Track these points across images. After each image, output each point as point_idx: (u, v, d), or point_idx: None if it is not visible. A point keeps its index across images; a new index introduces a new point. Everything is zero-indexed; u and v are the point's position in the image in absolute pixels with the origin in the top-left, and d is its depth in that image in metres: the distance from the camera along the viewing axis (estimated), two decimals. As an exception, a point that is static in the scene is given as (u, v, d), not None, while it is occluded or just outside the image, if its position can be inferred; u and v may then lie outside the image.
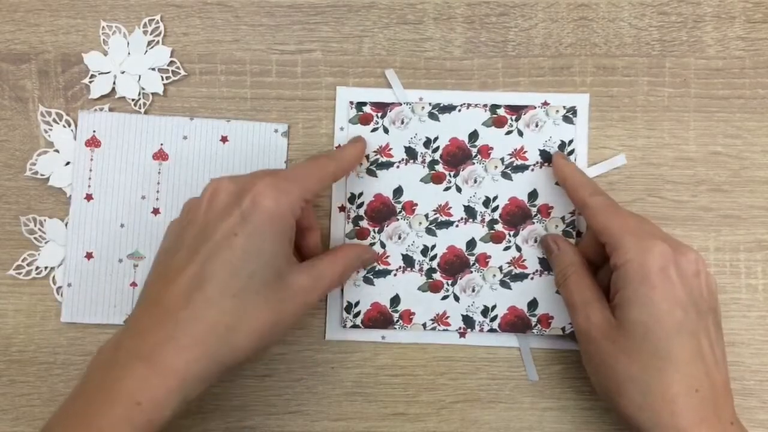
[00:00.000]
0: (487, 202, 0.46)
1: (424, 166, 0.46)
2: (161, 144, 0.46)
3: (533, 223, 0.45)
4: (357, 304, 0.45)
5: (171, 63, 0.47)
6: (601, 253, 0.41)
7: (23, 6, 0.47)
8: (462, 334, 0.45)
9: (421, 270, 0.45)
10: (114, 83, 0.46)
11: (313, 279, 0.39)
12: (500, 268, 0.45)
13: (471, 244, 0.45)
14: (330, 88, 0.47)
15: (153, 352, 0.34)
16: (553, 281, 0.45)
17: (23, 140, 0.47)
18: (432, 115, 0.46)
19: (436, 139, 0.46)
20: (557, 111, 0.46)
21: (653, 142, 0.46)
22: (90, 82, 0.47)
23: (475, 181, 0.46)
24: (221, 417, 0.45)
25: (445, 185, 0.46)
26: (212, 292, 0.35)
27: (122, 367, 0.34)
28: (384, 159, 0.46)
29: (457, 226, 0.46)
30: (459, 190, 0.46)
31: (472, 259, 0.45)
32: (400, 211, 0.46)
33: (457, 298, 0.45)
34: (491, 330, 0.45)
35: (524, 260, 0.45)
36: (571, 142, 0.46)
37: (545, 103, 0.46)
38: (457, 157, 0.46)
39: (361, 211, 0.46)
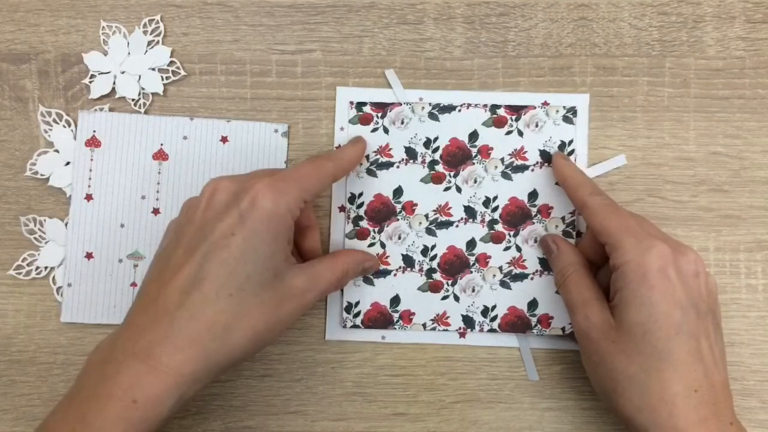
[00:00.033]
0: (487, 202, 0.46)
1: (424, 166, 0.46)
2: (161, 144, 0.46)
3: (533, 223, 0.45)
4: (357, 304, 0.45)
5: (171, 63, 0.47)
6: (601, 253, 0.41)
7: (23, 6, 0.47)
8: (462, 335, 0.45)
9: (421, 270, 0.45)
10: (114, 83, 0.46)
11: (310, 280, 0.39)
12: (500, 268, 0.45)
13: (471, 244, 0.45)
14: (330, 88, 0.47)
15: (149, 351, 0.34)
16: (553, 281, 0.45)
17: (23, 140, 0.47)
18: (432, 115, 0.46)
19: (436, 139, 0.46)
20: (557, 111, 0.46)
21: (653, 142, 0.46)
22: (90, 82, 0.47)
23: (475, 181, 0.46)
24: (221, 417, 0.45)
25: (445, 185, 0.46)
26: (209, 291, 0.35)
27: (118, 365, 0.34)
28: (384, 159, 0.46)
29: (457, 226, 0.46)
30: (459, 190, 0.46)
31: (472, 259, 0.45)
32: (400, 211, 0.46)
33: (457, 298, 0.45)
34: (491, 330, 0.45)
35: (524, 260, 0.45)
36: (571, 142, 0.46)
37: (545, 103, 0.46)
38: (457, 157, 0.46)
39: (361, 211, 0.46)
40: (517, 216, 0.45)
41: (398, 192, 0.46)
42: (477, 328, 0.45)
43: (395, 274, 0.46)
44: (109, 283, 0.46)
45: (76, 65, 0.47)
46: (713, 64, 0.46)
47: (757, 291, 0.45)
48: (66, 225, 0.46)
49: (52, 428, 0.35)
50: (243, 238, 0.36)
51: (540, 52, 0.46)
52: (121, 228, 0.46)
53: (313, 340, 0.46)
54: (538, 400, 0.45)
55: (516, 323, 0.45)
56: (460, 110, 0.46)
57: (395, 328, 0.45)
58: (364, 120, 0.46)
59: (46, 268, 0.46)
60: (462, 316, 0.45)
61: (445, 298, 0.45)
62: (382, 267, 0.45)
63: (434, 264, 0.45)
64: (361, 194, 0.46)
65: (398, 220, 0.46)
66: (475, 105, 0.46)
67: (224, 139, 0.46)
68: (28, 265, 0.46)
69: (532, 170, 0.46)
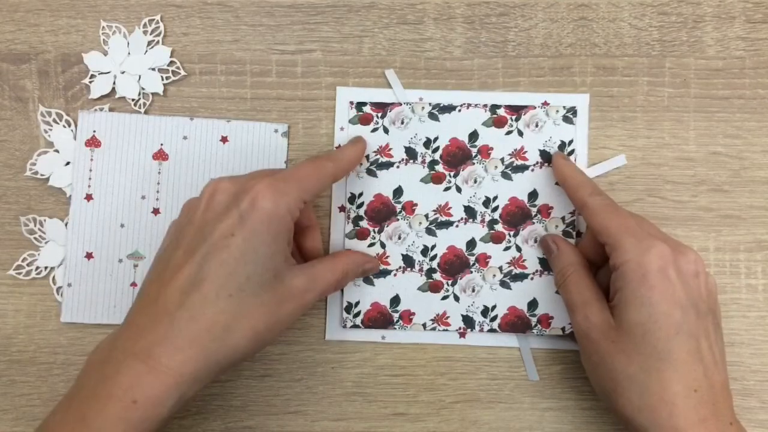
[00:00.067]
0: (487, 202, 0.46)
1: (424, 166, 0.46)
2: (161, 144, 0.46)
3: (533, 223, 0.45)
4: (357, 304, 0.45)
5: (171, 63, 0.47)
6: (601, 253, 0.41)
7: (23, 6, 0.47)
8: (462, 334, 0.45)
9: (421, 270, 0.45)
10: (114, 83, 0.46)
11: (309, 281, 0.39)
12: (500, 268, 0.45)
13: (471, 244, 0.45)
14: (330, 88, 0.47)
15: (149, 351, 0.34)
16: (553, 281, 0.45)
17: (23, 140, 0.47)
18: (432, 115, 0.46)
19: (436, 139, 0.46)
20: (557, 111, 0.46)
21: (653, 142, 0.46)
22: (90, 82, 0.47)
23: (475, 181, 0.46)
24: (221, 417, 0.45)
25: (445, 185, 0.46)
26: (209, 291, 0.35)
27: (118, 366, 0.34)
28: (384, 159, 0.46)
29: (457, 226, 0.46)
30: (459, 190, 0.46)
31: (472, 259, 0.45)
32: (400, 211, 0.46)
33: (457, 298, 0.45)
34: (491, 330, 0.45)
35: (524, 260, 0.45)
36: (571, 142, 0.46)
37: (545, 103, 0.46)
38: (457, 157, 0.46)
39: (361, 211, 0.46)
40: (517, 216, 0.45)
41: (398, 192, 0.46)
42: (477, 328, 0.45)
43: (395, 274, 0.46)
44: (109, 283, 0.46)
45: (76, 65, 0.47)
46: (713, 64, 0.46)
47: (757, 291, 0.45)
48: (66, 225, 0.46)
49: (52, 428, 0.35)
50: (243, 239, 0.36)
51: (540, 52, 0.46)
52: (121, 228, 0.46)
53: (313, 340, 0.46)
54: (538, 400, 0.45)
55: (516, 323, 0.45)
56: (460, 110, 0.46)
57: (395, 328, 0.45)
58: (364, 120, 0.46)
59: (46, 268, 0.46)
60: (462, 316, 0.45)
61: (445, 298, 0.45)
62: (382, 267, 0.45)
63: (434, 264, 0.45)
64: (361, 194, 0.46)
65: (398, 220, 0.46)
66: (475, 105, 0.46)
67: (224, 139, 0.46)
68: (28, 265, 0.46)
69: (532, 170, 0.46)
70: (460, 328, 0.45)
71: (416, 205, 0.46)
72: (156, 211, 0.46)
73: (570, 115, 0.46)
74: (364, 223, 0.46)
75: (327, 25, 0.47)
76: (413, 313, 0.45)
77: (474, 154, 0.46)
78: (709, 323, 0.38)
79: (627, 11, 0.46)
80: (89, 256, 0.46)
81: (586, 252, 0.43)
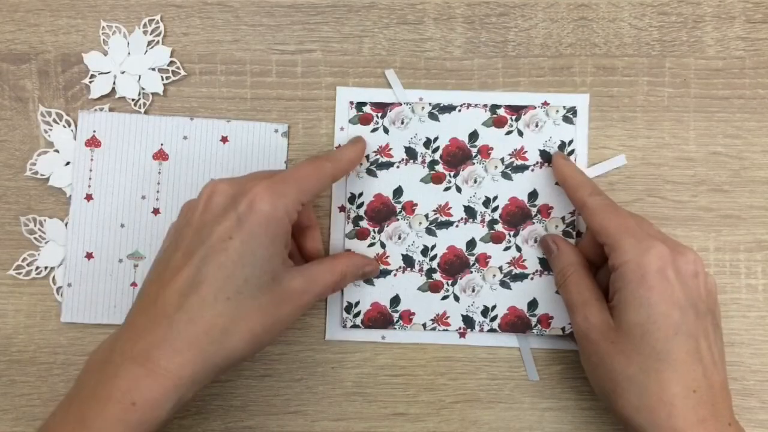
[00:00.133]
0: (487, 202, 0.46)
1: (424, 166, 0.46)
2: (161, 144, 0.46)
3: (533, 223, 0.45)
4: (357, 304, 0.45)
5: (171, 63, 0.47)
6: (600, 253, 0.41)
7: (23, 6, 0.47)
8: (462, 335, 0.45)
9: (421, 270, 0.45)
10: (114, 83, 0.46)
11: (307, 282, 0.39)
12: (500, 268, 0.45)
13: (471, 244, 0.45)
14: (330, 88, 0.47)
15: (147, 353, 0.34)
16: (553, 281, 0.45)
17: (23, 140, 0.47)
18: (432, 115, 0.46)
19: (436, 139, 0.46)
20: (557, 111, 0.46)
21: (653, 142, 0.46)
22: (90, 82, 0.47)
23: (475, 181, 0.46)
24: (221, 417, 0.45)
25: (445, 185, 0.46)
26: (207, 294, 0.35)
27: (117, 368, 0.34)
28: (384, 159, 0.46)
29: (457, 226, 0.46)
30: (459, 190, 0.46)
31: (472, 259, 0.45)
32: (400, 211, 0.46)
33: (457, 298, 0.45)
34: (491, 330, 0.45)
35: (524, 260, 0.45)
36: (571, 142, 0.46)
37: (545, 103, 0.46)
38: (457, 157, 0.46)
39: (361, 211, 0.46)
40: (517, 216, 0.45)
41: (398, 192, 0.46)
42: (477, 328, 0.45)
43: (395, 274, 0.46)
44: (109, 283, 0.46)
45: (76, 65, 0.47)
46: (713, 64, 0.46)
47: (757, 291, 0.45)
48: (66, 225, 0.46)
49: (53, 429, 0.35)
50: (241, 242, 0.36)
51: (540, 52, 0.46)
52: (121, 228, 0.46)
53: (313, 340, 0.46)
54: (538, 400, 0.45)
55: (516, 323, 0.45)
56: (460, 110, 0.46)
57: (395, 328, 0.45)
58: (364, 120, 0.46)
59: (46, 268, 0.46)
60: (462, 316, 0.45)
61: (445, 298, 0.45)
62: (382, 267, 0.45)
63: (434, 264, 0.45)
64: (361, 194, 0.46)
65: (398, 220, 0.46)
66: (475, 105, 0.46)
67: (224, 139, 0.46)
68: (28, 265, 0.46)
69: (532, 170, 0.46)
70: (460, 328, 0.45)
71: (416, 205, 0.46)
72: (156, 211, 0.46)
73: (570, 115, 0.46)
74: (364, 223, 0.46)
75: (327, 25, 0.47)
76: (413, 313, 0.45)
77: (474, 154, 0.46)
78: (708, 323, 0.38)
79: (627, 11, 0.46)
80: (89, 256, 0.46)
81: (585, 252, 0.43)
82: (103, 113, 0.46)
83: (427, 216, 0.46)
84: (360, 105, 0.46)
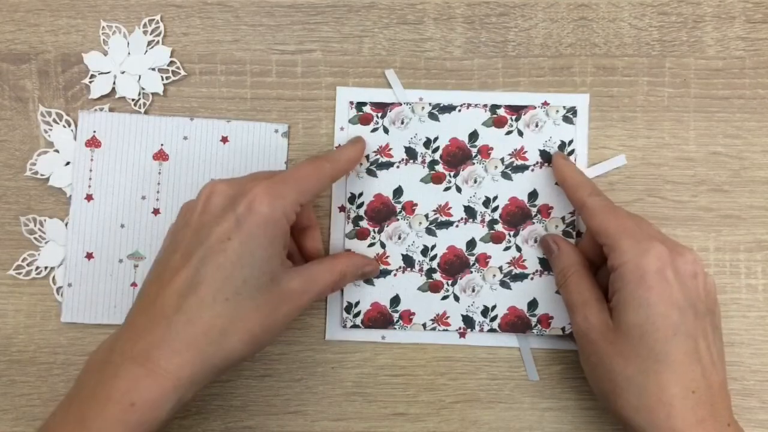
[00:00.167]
0: (487, 202, 0.46)
1: (424, 166, 0.46)
2: (161, 144, 0.46)
3: (533, 223, 0.45)
4: (357, 304, 0.45)
5: (171, 63, 0.47)
6: (600, 253, 0.41)
7: (23, 6, 0.47)
8: (462, 334, 0.45)
9: (421, 270, 0.45)
10: (114, 83, 0.46)
11: (306, 282, 0.39)
12: (500, 268, 0.45)
13: (471, 244, 0.45)
14: (330, 88, 0.47)
15: (147, 354, 0.34)
16: (553, 281, 0.45)
17: (23, 140, 0.47)
18: (432, 115, 0.46)
19: (436, 139, 0.46)
20: (557, 111, 0.46)
21: (653, 142, 0.46)
22: (90, 82, 0.47)
23: (475, 181, 0.46)
24: (221, 417, 0.45)
25: (445, 185, 0.46)
26: (206, 295, 0.36)
27: (117, 368, 0.34)
28: (384, 159, 0.46)
29: (457, 226, 0.46)
30: (459, 190, 0.46)
31: (472, 259, 0.45)
32: (400, 211, 0.46)
33: (457, 298, 0.45)
34: (491, 330, 0.45)
35: (524, 260, 0.45)
36: (571, 142, 0.46)
37: (545, 103, 0.46)
38: (457, 157, 0.46)
39: (361, 211, 0.46)
40: (517, 216, 0.45)
41: (398, 192, 0.46)
42: (477, 328, 0.45)
43: (395, 274, 0.46)
44: (110, 284, 0.46)
45: (76, 65, 0.47)
46: (713, 64, 0.46)
47: (757, 291, 0.45)
48: (66, 225, 0.46)
49: (53, 429, 0.35)
50: (240, 243, 0.36)
51: (540, 52, 0.46)
52: (121, 228, 0.46)
53: (313, 340, 0.46)
54: (538, 400, 0.45)
55: (516, 323, 0.45)
56: (460, 110, 0.46)
57: (395, 328, 0.45)
58: (364, 120, 0.46)
59: (46, 268, 0.46)
60: (462, 316, 0.45)
61: (445, 298, 0.45)
62: (382, 267, 0.45)
63: (434, 264, 0.45)
64: (361, 194, 0.46)
65: (398, 220, 0.46)
66: (475, 105, 0.46)
67: (224, 140, 0.46)
68: (28, 265, 0.46)
69: (532, 170, 0.46)
70: (460, 328, 0.45)
71: (416, 205, 0.46)
72: (156, 212, 0.46)
73: (570, 115, 0.46)
74: (364, 223, 0.46)
75: (327, 25, 0.47)
76: (413, 313, 0.45)
77: (474, 154, 0.46)
78: (707, 324, 0.38)
79: (627, 11, 0.46)
80: (89, 256, 0.46)
81: (585, 252, 0.43)
82: (103, 113, 0.46)
83: (427, 216, 0.46)
84: (360, 105, 0.46)
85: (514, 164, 0.46)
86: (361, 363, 0.46)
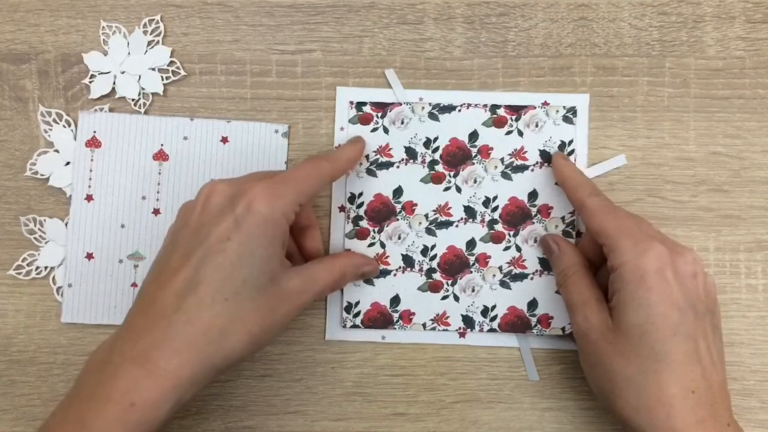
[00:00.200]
0: (487, 202, 0.46)
1: (424, 166, 0.46)
2: (161, 144, 0.46)
3: (533, 223, 0.45)
4: (357, 304, 0.45)
5: (171, 63, 0.47)
6: (600, 253, 0.41)
7: (23, 6, 0.47)
8: (462, 334, 0.45)
9: (421, 270, 0.45)
10: (114, 83, 0.46)
11: (305, 282, 0.39)
12: (500, 268, 0.45)
13: (471, 244, 0.45)
14: (330, 88, 0.47)
15: (147, 354, 0.34)
16: (553, 281, 0.45)
17: (23, 140, 0.47)
18: (432, 115, 0.46)
19: (436, 139, 0.46)
20: (557, 111, 0.46)
21: (653, 142, 0.46)
22: (90, 82, 0.47)
23: (475, 181, 0.46)
24: (221, 417, 0.45)
25: (445, 185, 0.46)
26: (205, 295, 0.36)
27: (117, 368, 0.34)
28: (384, 159, 0.46)
29: (456, 226, 0.46)
30: (459, 190, 0.46)
31: (471, 259, 0.45)
32: (400, 211, 0.46)
33: (456, 298, 0.45)
34: (491, 330, 0.45)
35: (524, 260, 0.45)
36: (571, 142, 0.46)
37: (545, 103, 0.46)
38: (457, 157, 0.46)
39: (361, 211, 0.46)
40: (516, 216, 0.45)
41: (398, 192, 0.46)
42: (477, 328, 0.45)
43: (395, 274, 0.46)
44: (110, 284, 0.46)
45: (76, 65, 0.47)
46: (713, 64, 0.46)
47: (757, 291, 0.45)
48: (66, 225, 0.46)
49: (53, 429, 0.35)
50: (239, 243, 0.36)
51: (540, 52, 0.46)
52: (121, 228, 0.46)
53: (313, 340, 0.46)
54: (538, 400, 0.45)
55: (516, 323, 0.45)
56: (460, 110, 0.46)
57: (395, 328, 0.45)
58: (364, 120, 0.46)
59: (46, 268, 0.46)
60: (462, 316, 0.45)
61: (445, 298, 0.45)
62: (382, 267, 0.45)
63: (434, 264, 0.45)
64: (361, 194, 0.46)
65: (398, 220, 0.46)
66: (475, 105, 0.46)
67: (224, 140, 0.46)
68: (28, 265, 0.46)
69: (532, 170, 0.46)
70: (460, 328, 0.45)
71: (416, 205, 0.46)
72: (156, 212, 0.46)
73: (570, 115, 0.46)
74: (364, 223, 0.46)
75: (327, 25, 0.47)
76: (413, 313, 0.45)
77: (474, 154, 0.46)
78: (707, 324, 0.38)
79: (627, 11, 0.46)
80: (89, 256, 0.46)
81: (585, 252, 0.43)
82: (103, 114, 0.46)
83: (427, 216, 0.46)
84: (360, 105, 0.46)
85: (514, 164, 0.46)
86: (361, 363, 0.46)
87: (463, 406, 0.45)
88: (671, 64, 0.46)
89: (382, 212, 0.46)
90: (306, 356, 0.46)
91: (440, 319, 0.45)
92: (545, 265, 0.45)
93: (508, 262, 0.45)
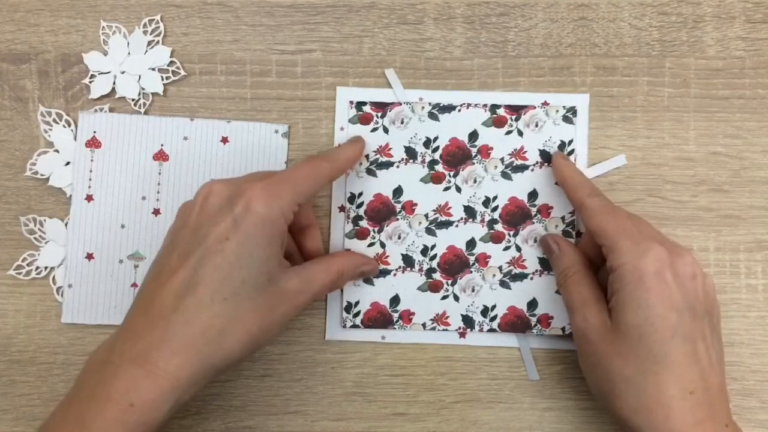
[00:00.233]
0: (486, 202, 0.46)
1: (423, 166, 0.46)
2: (162, 145, 0.46)
3: (533, 223, 0.45)
4: (357, 304, 0.45)
5: (171, 63, 0.47)
6: (600, 253, 0.41)
7: (23, 6, 0.47)
8: (462, 334, 0.45)
9: (420, 270, 0.46)
10: (114, 83, 0.46)
11: (303, 282, 0.39)
12: (500, 268, 0.45)
13: (471, 244, 0.45)
14: (330, 88, 0.47)
15: (146, 355, 0.34)
16: (553, 281, 0.45)
17: (23, 140, 0.47)
18: (432, 115, 0.46)
19: (436, 139, 0.46)
20: (557, 111, 0.46)
21: (653, 142, 0.46)
22: (90, 82, 0.47)
23: (475, 181, 0.46)
24: (221, 417, 0.45)
25: (445, 185, 0.46)
26: (203, 296, 0.36)
27: (116, 368, 0.34)
28: (384, 159, 0.46)
29: (456, 226, 0.46)
30: (459, 190, 0.46)
31: (471, 259, 0.45)
32: (400, 211, 0.46)
33: (456, 298, 0.45)
34: (491, 330, 0.45)
35: (524, 260, 0.45)
36: (570, 142, 0.46)
37: (545, 103, 0.46)
38: (457, 157, 0.46)
39: (361, 211, 0.46)
40: (516, 216, 0.45)
41: (398, 192, 0.46)
42: (477, 328, 0.45)
43: (395, 274, 0.46)
44: (110, 284, 0.46)
45: (76, 65, 0.47)
46: (713, 64, 0.46)
47: (757, 291, 0.45)
48: (66, 225, 0.46)
49: (52, 429, 0.35)
50: (237, 243, 0.36)
51: (540, 52, 0.46)
52: (121, 229, 0.46)
53: (313, 340, 0.46)
54: (538, 400, 0.45)
55: (516, 323, 0.45)
56: (460, 110, 0.46)
57: (395, 328, 0.45)
58: (364, 120, 0.46)
59: (46, 268, 0.46)
60: (462, 315, 0.45)
61: (444, 297, 0.45)
62: (382, 267, 0.45)
63: (434, 264, 0.45)
64: (360, 194, 0.46)
65: (398, 219, 0.46)
66: (475, 105, 0.46)
67: (224, 140, 0.46)
68: (28, 265, 0.46)
69: (532, 170, 0.46)
70: (459, 328, 0.45)
71: (416, 204, 0.46)
72: (156, 212, 0.46)
73: (570, 115, 0.46)
74: (363, 223, 0.46)
75: (327, 25, 0.47)
76: (413, 313, 0.45)
77: (474, 154, 0.46)
78: (705, 325, 0.38)
79: (627, 11, 0.46)
80: (90, 256, 0.46)
81: (585, 252, 0.43)
82: (103, 114, 0.46)
83: (426, 216, 0.46)
84: (360, 105, 0.46)
85: (514, 164, 0.46)
86: (361, 363, 0.46)
87: (463, 406, 0.45)
88: (671, 64, 0.46)
89: (382, 212, 0.46)
90: (306, 356, 0.46)
91: (440, 319, 0.45)
92: (545, 265, 0.45)
93: (508, 262, 0.45)
